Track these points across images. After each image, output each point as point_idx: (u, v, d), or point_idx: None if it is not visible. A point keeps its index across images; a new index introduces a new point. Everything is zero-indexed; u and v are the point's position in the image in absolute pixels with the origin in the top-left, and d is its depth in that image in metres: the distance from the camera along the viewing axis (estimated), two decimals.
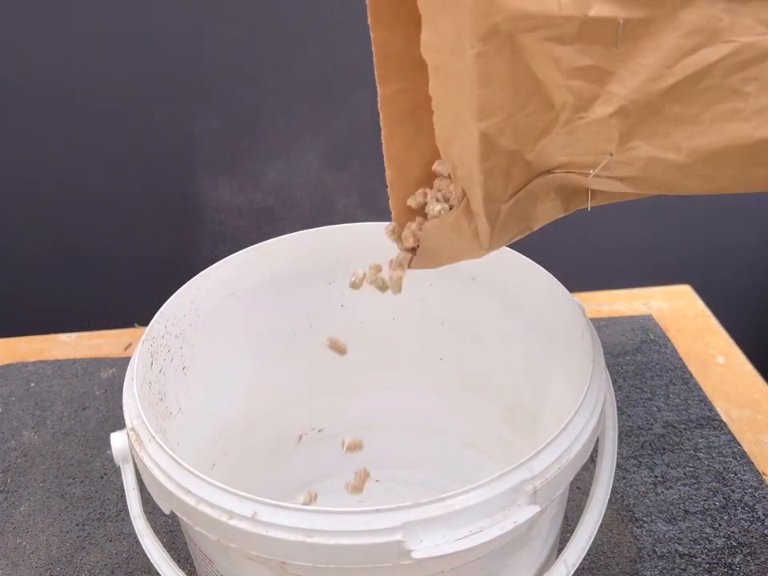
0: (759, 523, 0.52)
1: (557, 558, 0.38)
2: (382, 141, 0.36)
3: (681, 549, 0.51)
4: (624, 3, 0.27)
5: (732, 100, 0.28)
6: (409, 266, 0.40)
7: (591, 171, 0.31)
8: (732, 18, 0.27)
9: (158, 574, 0.38)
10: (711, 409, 0.62)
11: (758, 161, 0.29)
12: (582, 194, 0.34)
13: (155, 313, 0.44)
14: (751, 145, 0.28)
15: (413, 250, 0.38)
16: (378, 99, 0.35)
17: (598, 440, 0.40)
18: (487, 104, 0.29)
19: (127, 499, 0.39)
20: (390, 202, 0.38)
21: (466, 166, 0.32)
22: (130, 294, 1.02)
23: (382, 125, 0.35)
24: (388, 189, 0.37)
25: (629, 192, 0.32)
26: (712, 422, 0.61)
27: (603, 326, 0.72)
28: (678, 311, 0.75)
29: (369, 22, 0.33)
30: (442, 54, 0.30)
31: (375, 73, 0.35)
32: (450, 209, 0.35)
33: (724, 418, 0.61)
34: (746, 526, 0.52)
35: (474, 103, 0.29)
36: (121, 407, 0.39)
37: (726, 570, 0.49)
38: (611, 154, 0.30)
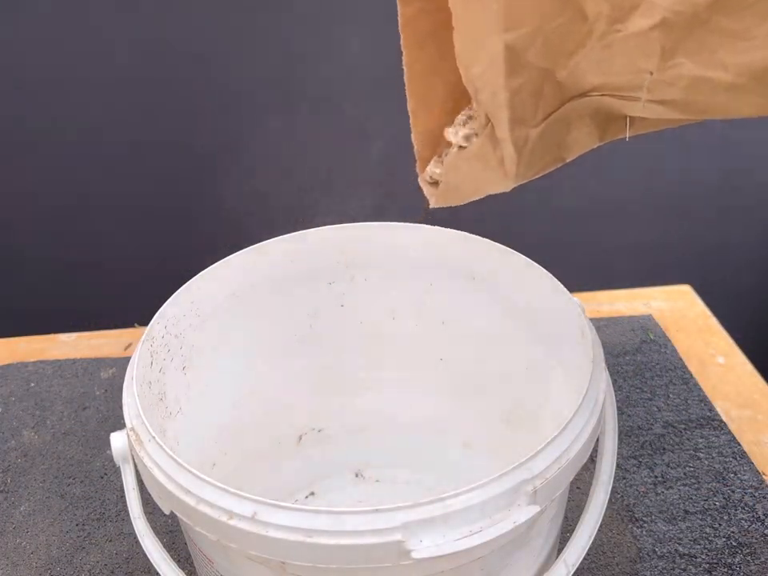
0: (759, 523, 0.52)
1: (557, 557, 0.38)
2: (404, 67, 0.33)
3: (681, 549, 0.51)
4: None
5: None
6: (431, 205, 0.37)
7: (630, 94, 0.28)
8: None
9: (157, 574, 0.38)
10: (711, 409, 0.62)
11: None
12: (620, 121, 0.31)
13: (155, 313, 0.44)
14: None
15: (435, 184, 0.36)
16: (399, 19, 0.32)
17: (598, 440, 0.40)
18: (513, 13, 0.27)
19: (127, 499, 0.39)
20: (412, 134, 0.35)
21: (489, 85, 0.29)
22: (130, 294, 1.02)
23: (403, 48, 0.33)
24: (410, 120, 0.35)
25: (670, 118, 0.29)
26: (712, 421, 0.61)
27: (603, 326, 0.72)
28: (678, 311, 0.75)
29: None
30: None
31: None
32: (476, 137, 0.33)
33: (724, 418, 0.61)
34: (746, 526, 0.52)
35: (499, 13, 0.27)
36: (121, 407, 0.39)
37: (726, 569, 0.49)
38: (651, 73, 0.27)
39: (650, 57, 0.27)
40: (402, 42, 0.33)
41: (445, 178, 0.35)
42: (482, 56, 0.29)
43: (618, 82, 0.28)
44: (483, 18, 0.28)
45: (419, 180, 0.37)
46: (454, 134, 0.33)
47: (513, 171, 0.31)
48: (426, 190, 0.36)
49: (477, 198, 0.35)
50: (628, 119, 0.31)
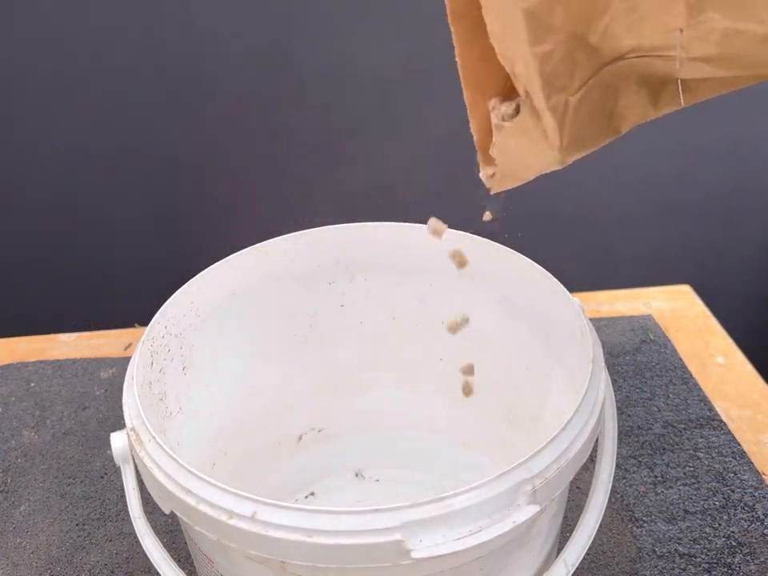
0: (759, 523, 0.52)
1: (556, 557, 0.38)
2: (457, 59, 0.33)
3: (680, 549, 0.51)
4: None
5: None
6: (490, 191, 0.36)
7: (666, 53, 0.27)
8: None
9: (158, 574, 0.38)
10: (711, 409, 0.62)
11: None
12: (671, 86, 0.30)
13: (155, 313, 0.44)
14: None
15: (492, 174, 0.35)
16: (448, 12, 0.32)
17: (597, 440, 0.40)
18: None
19: (127, 499, 0.39)
20: (471, 127, 0.35)
21: (520, 56, 0.29)
22: (130, 294, 1.02)
23: (454, 41, 0.33)
24: (468, 111, 0.34)
25: (720, 75, 0.28)
26: (712, 421, 0.61)
27: (603, 326, 0.72)
28: (678, 311, 0.75)
29: None
30: None
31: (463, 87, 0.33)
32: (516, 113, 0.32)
33: (724, 418, 0.61)
34: (746, 526, 0.52)
35: None
36: (121, 407, 0.39)
37: (725, 569, 0.49)
38: (681, 30, 0.26)
39: (677, 14, 0.26)
40: (453, 36, 0.32)
41: (498, 162, 0.34)
42: (508, 27, 0.28)
43: (652, 42, 0.28)
44: None
45: (480, 174, 0.36)
46: (497, 116, 0.33)
47: (557, 142, 0.30)
48: (485, 179, 0.36)
49: (532, 177, 0.34)
50: (680, 83, 0.30)
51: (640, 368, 0.67)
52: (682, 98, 0.30)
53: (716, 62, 0.27)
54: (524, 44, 0.28)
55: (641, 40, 0.28)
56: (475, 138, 0.35)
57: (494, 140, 0.34)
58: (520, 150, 0.33)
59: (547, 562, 0.41)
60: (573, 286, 0.45)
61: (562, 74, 0.29)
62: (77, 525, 0.55)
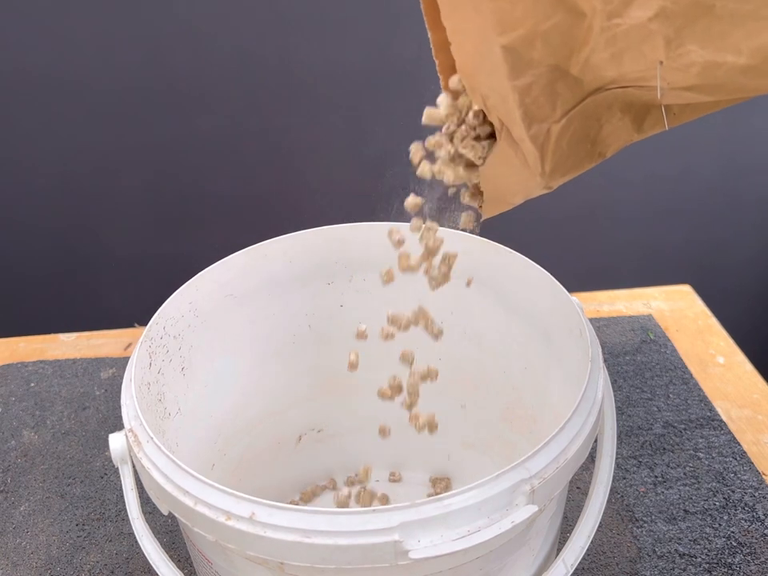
0: (759, 523, 0.52)
1: (556, 557, 0.38)
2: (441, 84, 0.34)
3: (681, 549, 0.51)
4: None
5: None
6: (483, 217, 0.37)
7: (648, 84, 0.27)
8: None
9: (157, 574, 0.38)
10: (711, 409, 0.62)
11: None
12: (655, 111, 0.30)
13: (155, 313, 0.44)
14: None
15: (480, 194, 0.36)
16: (432, 47, 0.33)
17: (597, 439, 0.40)
18: (506, 16, 0.27)
19: (126, 500, 0.39)
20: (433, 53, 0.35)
21: (496, 90, 0.29)
22: (130, 294, 1.02)
23: (438, 69, 0.34)
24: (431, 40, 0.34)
25: (703, 101, 0.28)
26: (712, 422, 0.60)
27: (603, 326, 0.72)
28: (678, 311, 0.75)
29: None
30: None
31: (425, 20, 0.33)
32: (476, 139, 0.32)
33: (724, 418, 0.61)
34: (746, 526, 0.52)
35: (492, 17, 0.27)
36: (121, 407, 0.39)
37: (725, 569, 0.49)
38: (661, 62, 0.26)
39: (656, 47, 0.26)
40: (437, 66, 0.34)
41: (484, 189, 0.35)
42: (484, 63, 0.29)
43: (633, 75, 0.28)
44: (480, 26, 0.28)
45: (463, 200, 0.37)
46: (441, 152, 0.34)
47: (539, 169, 0.31)
48: (475, 204, 0.36)
49: (520, 201, 0.35)
50: (663, 108, 0.30)
51: (640, 368, 0.66)
52: (666, 122, 0.30)
53: (698, 90, 0.27)
54: (503, 78, 0.28)
55: (622, 71, 0.28)
56: (437, 63, 0.35)
57: (477, 176, 0.34)
58: (503, 178, 0.33)
59: (546, 562, 0.40)
60: (573, 286, 0.45)
61: (543, 104, 0.29)
62: (76, 525, 0.55)
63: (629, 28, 0.26)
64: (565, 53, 0.28)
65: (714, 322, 0.73)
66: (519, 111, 0.29)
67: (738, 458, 0.57)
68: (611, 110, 0.30)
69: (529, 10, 0.27)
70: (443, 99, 0.34)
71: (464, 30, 0.29)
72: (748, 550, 0.50)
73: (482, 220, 0.37)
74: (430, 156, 0.36)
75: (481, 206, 0.36)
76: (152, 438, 0.36)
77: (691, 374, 0.66)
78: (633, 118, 0.31)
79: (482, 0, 0.27)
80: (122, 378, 0.41)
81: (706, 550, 0.50)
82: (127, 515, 0.39)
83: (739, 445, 0.58)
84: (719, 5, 0.25)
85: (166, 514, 0.36)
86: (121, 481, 0.39)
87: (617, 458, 0.41)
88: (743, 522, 0.52)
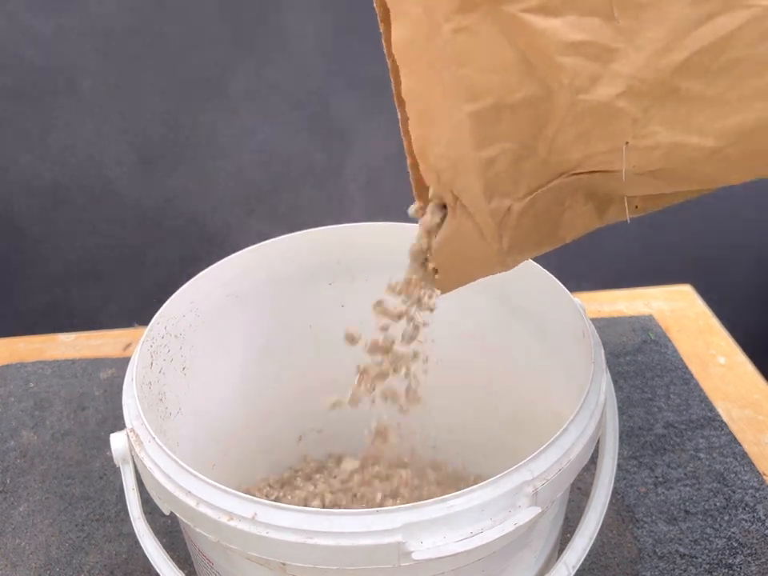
0: (760, 524, 0.52)
1: (557, 559, 0.38)
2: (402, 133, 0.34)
3: (681, 549, 0.51)
4: None
5: (763, 74, 0.25)
6: (440, 293, 0.37)
7: (612, 168, 0.27)
8: None
9: (157, 574, 0.38)
10: (712, 409, 0.62)
11: None
12: (618, 201, 0.31)
13: (155, 313, 0.44)
14: None
15: (435, 271, 0.35)
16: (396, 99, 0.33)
17: (598, 441, 0.40)
18: (473, 84, 0.27)
19: (127, 500, 0.39)
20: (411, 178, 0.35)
21: (456, 162, 0.29)
22: (130, 294, 1.02)
23: (401, 126, 0.33)
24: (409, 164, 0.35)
25: (665, 191, 0.29)
26: (713, 422, 0.60)
27: (604, 327, 0.72)
28: (679, 311, 0.74)
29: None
30: (416, 43, 0.27)
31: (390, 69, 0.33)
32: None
33: (725, 419, 0.61)
34: (747, 527, 0.52)
35: (458, 85, 0.27)
36: (120, 407, 0.39)
37: (726, 570, 0.49)
38: (627, 143, 0.27)
39: (623, 127, 0.27)
40: (404, 139, 0.34)
41: (439, 265, 0.35)
42: (444, 131, 0.28)
43: (599, 156, 0.28)
44: (444, 94, 0.27)
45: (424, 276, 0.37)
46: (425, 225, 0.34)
47: (496, 245, 0.30)
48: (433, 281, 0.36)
49: (479, 278, 0.34)
50: (626, 199, 0.30)
51: (641, 368, 0.66)
52: (627, 213, 0.31)
53: (662, 177, 0.28)
54: (468, 149, 0.28)
55: (588, 152, 0.28)
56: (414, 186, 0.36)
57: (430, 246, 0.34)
58: (459, 255, 0.33)
59: (548, 564, 0.40)
60: (573, 286, 0.45)
61: (506, 180, 0.29)
62: (76, 525, 0.55)
63: (596, 105, 0.26)
64: (532, 130, 0.28)
65: (714, 322, 0.73)
66: (480, 183, 0.28)
67: (739, 459, 0.57)
68: (575, 195, 0.30)
69: (496, 81, 0.27)
70: (413, 209, 0.36)
71: (427, 99, 0.28)
72: (749, 551, 0.50)
73: (441, 293, 0.37)
74: None
75: (437, 281, 0.36)
76: (154, 438, 0.35)
77: (692, 374, 0.66)
78: (596, 206, 0.31)
79: (448, 66, 0.27)
80: (121, 378, 0.41)
81: (707, 551, 0.50)
82: (126, 516, 0.39)
83: (740, 445, 0.58)
84: (684, 87, 0.25)
85: (167, 514, 0.36)
86: (120, 481, 0.39)
87: (617, 459, 0.41)
88: (744, 522, 0.52)
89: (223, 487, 0.32)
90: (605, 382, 0.38)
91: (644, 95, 0.26)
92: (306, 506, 0.47)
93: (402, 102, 0.30)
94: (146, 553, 0.38)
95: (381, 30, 0.32)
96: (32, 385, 0.69)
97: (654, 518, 0.53)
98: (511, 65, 0.26)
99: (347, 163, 0.99)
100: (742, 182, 0.28)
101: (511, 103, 0.27)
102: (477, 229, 0.30)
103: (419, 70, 0.28)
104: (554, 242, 0.32)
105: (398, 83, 0.30)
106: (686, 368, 0.66)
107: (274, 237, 0.50)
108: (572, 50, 0.26)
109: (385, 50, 0.32)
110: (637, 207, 0.31)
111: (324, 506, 0.50)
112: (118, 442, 0.38)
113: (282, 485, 0.54)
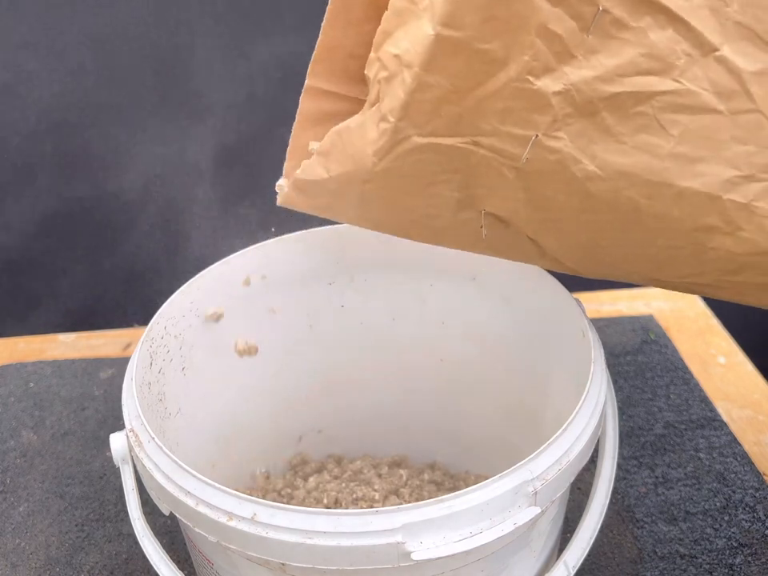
0: (760, 524, 0.52)
1: (557, 559, 0.38)
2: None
3: (681, 549, 0.51)
4: None
5: (656, 135, 0.29)
6: (278, 203, 0.41)
7: (514, 150, 0.31)
8: (688, 62, 0.29)
9: (157, 575, 0.38)
10: (712, 409, 0.62)
11: (657, 199, 0.30)
12: (476, 211, 0.34)
13: (155, 313, 0.44)
14: (655, 183, 0.30)
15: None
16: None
17: (598, 441, 0.40)
18: (453, 12, 0.29)
19: (126, 500, 0.39)
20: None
21: (399, 66, 0.31)
22: (130, 294, 1.02)
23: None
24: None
25: (521, 211, 0.33)
26: (713, 422, 0.60)
27: (604, 326, 0.72)
28: (679, 311, 0.74)
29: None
30: None
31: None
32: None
33: (725, 419, 0.61)
34: (747, 527, 0.52)
35: (439, 7, 0.29)
36: (120, 407, 0.39)
37: (726, 570, 0.49)
38: (537, 135, 0.30)
39: (543, 120, 0.30)
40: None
41: (301, 174, 0.39)
42: (407, 37, 0.31)
43: (507, 136, 0.31)
44: (424, 7, 0.30)
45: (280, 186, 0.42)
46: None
47: (377, 149, 0.32)
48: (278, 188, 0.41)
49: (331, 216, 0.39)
50: (483, 214, 0.34)
51: (641, 368, 0.66)
52: (484, 233, 0.35)
53: (543, 180, 0.31)
54: (416, 63, 0.30)
55: (502, 127, 0.31)
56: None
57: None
58: (345, 147, 0.35)
59: (548, 564, 0.40)
60: (573, 285, 0.45)
61: (422, 110, 0.31)
62: (76, 525, 0.55)
63: (535, 91, 0.30)
64: (471, 83, 0.30)
65: (714, 322, 0.73)
66: (405, 97, 0.31)
67: (739, 459, 0.57)
68: (453, 177, 0.33)
69: (475, 25, 0.29)
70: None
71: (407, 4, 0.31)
72: (749, 551, 0.50)
73: (278, 203, 0.42)
74: None
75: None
76: (153, 438, 0.35)
77: (692, 374, 0.66)
78: (458, 201, 0.34)
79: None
80: (121, 378, 0.41)
81: (707, 551, 0.50)
82: (126, 516, 0.39)
83: (740, 445, 0.58)
84: (603, 115, 0.30)
85: (167, 514, 0.36)
86: (120, 481, 0.39)
87: (617, 459, 0.41)
88: (744, 522, 0.52)
89: (223, 487, 0.32)
90: (605, 381, 0.38)
91: (572, 104, 0.30)
92: (305, 506, 0.47)
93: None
94: (145, 553, 0.38)
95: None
96: (32, 385, 0.69)
97: (654, 518, 0.53)
98: (494, 16, 0.29)
99: None
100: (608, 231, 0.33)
101: (475, 49, 0.29)
102: (374, 128, 0.33)
103: None
104: (403, 211, 0.35)
105: None
106: (686, 368, 0.66)
107: (274, 237, 0.50)
108: (546, 36, 0.29)
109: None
110: (481, 227, 0.35)
111: (324, 507, 0.50)
112: (117, 442, 0.38)
113: (282, 485, 0.54)
